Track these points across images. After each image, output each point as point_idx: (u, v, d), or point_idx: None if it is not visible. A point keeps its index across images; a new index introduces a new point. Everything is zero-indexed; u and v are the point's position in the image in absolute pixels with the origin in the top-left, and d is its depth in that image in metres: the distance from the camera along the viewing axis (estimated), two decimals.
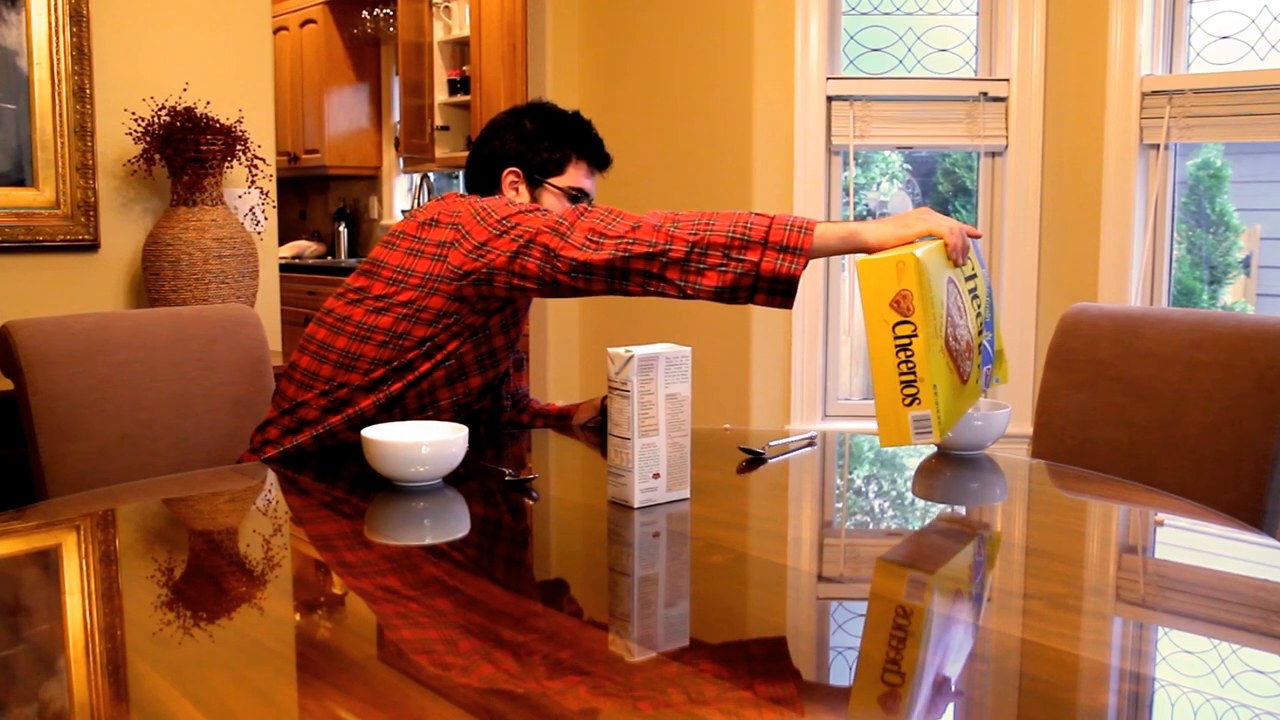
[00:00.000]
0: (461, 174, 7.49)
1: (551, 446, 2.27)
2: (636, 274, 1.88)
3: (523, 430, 2.40)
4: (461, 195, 2.12)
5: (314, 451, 2.09)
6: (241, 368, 2.48)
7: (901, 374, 1.70)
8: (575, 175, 2.25)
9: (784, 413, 4.03)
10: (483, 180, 2.27)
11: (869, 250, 1.81)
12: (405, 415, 2.08)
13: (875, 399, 1.73)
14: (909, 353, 1.69)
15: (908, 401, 1.70)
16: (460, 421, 2.19)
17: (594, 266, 1.89)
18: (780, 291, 1.83)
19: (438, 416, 2.11)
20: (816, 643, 1.27)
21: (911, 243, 1.79)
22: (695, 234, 1.84)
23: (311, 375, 2.09)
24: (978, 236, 1.96)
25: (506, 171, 2.24)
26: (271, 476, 1.99)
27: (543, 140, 2.26)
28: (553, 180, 2.24)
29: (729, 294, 1.84)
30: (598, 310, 4.58)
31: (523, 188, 2.24)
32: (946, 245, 1.82)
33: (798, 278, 1.81)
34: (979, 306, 1.95)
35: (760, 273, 1.81)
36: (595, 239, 1.89)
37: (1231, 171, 3.88)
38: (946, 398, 1.73)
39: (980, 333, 1.94)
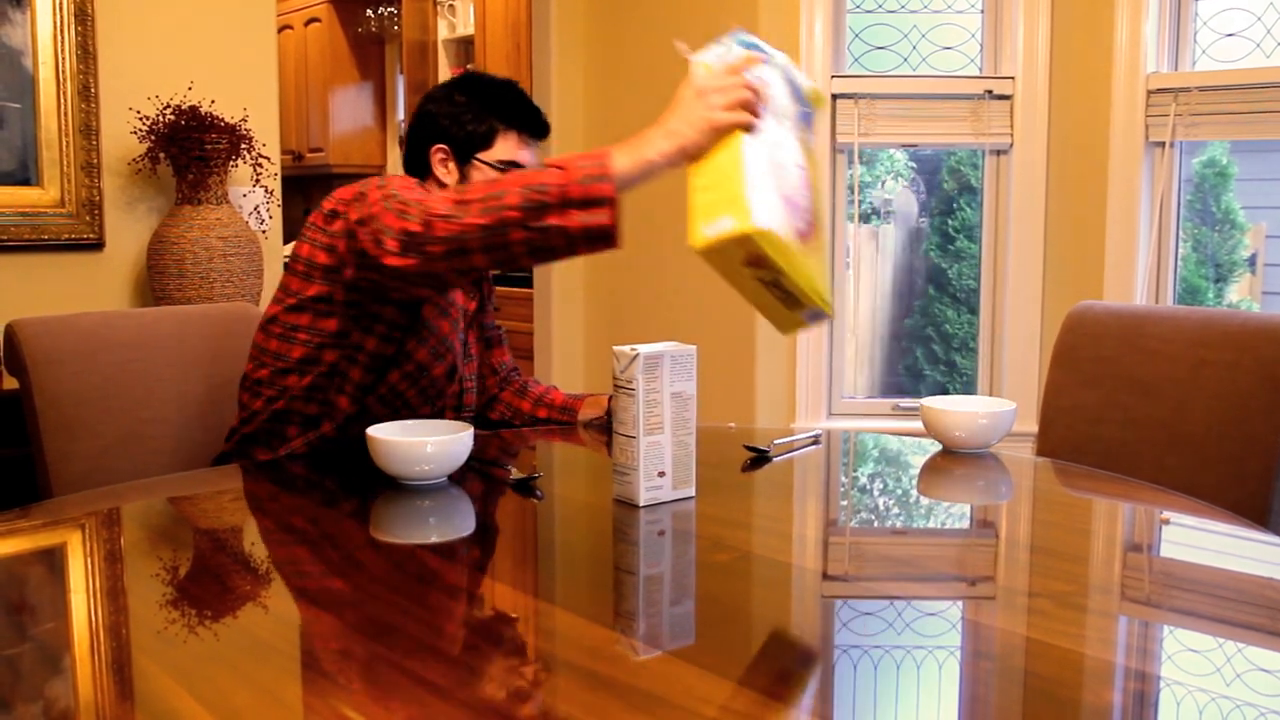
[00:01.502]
0: None
1: (556, 445, 2.27)
2: (451, 273, 1.83)
3: (526, 423, 2.39)
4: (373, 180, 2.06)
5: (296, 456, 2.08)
6: None
7: (782, 299, 1.70)
8: (505, 147, 2.14)
9: (789, 411, 4.03)
10: (414, 161, 2.18)
11: (658, 166, 1.72)
12: (377, 418, 2.06)
13: (761, 314, 1.74)
14: (779, 286, 1.67)
15: (792, 307, 1.71)
16: (451, 410, 2.19)
17: (405, 272, 1.82)
18: (599, 239, 1.73)
19: (415, 414, 2.10)
20: (822, 641, 1.27)
21: (705, 151, 1.70)
22: (487, 213, 1.73)
23: (256, 382, 2.09)
24: (760, 60, 1.78)
25: (434, 149, 2.15)
26: (276, 475, 1.99)
27: (468, 113, 2.14)
28: (481, 154, 2.13)
29: (546, 259, 1.77)
30: (602, 308, 4.58)
31: (451, 165, 2.14)
32: (748, 129, 1.69)
33: (608, 226, 1.71)
34: (784, 107, 1.81)
35: (570, 233, 1.71)
36: (406, 234, 1.79)
37: (1237, 169, 3.87)
38: (816, 273, 1.71)
39: (795, 121, 1.83)
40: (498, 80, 2.19)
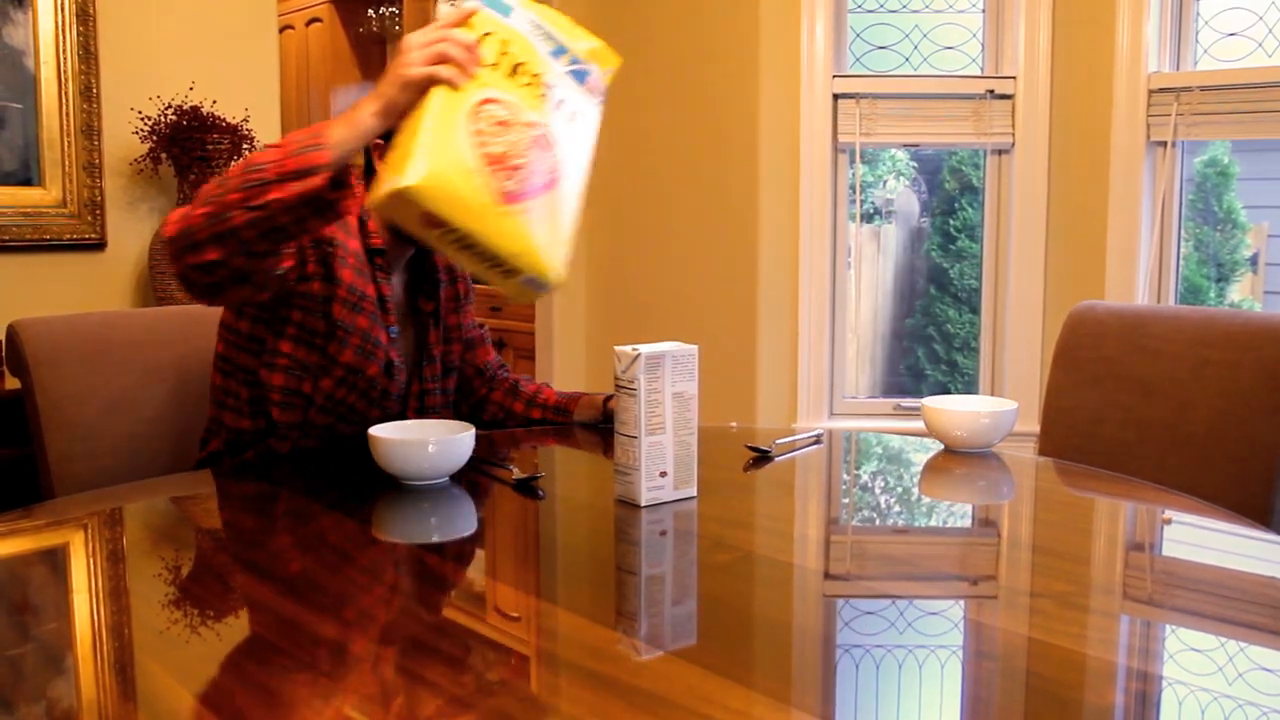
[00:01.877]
0: None
1: (557, 445, 2.27)
2: (201, 270, 1.78)
3: (520, 424, 2.37)
4: None
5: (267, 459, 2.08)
6: None
7: (489, 265, 1.65)
8: None
9: (790, 411, 4.03)
10: (370, 159, 2.12)
11: (371, 127, 1.69)
12: (326, 430, 2.05)
13: (488, 281, 1.71)
14: (472, 249, 1.63)
15: (507, 274, 1.67)
16: (413, 411, 2.17)
17: (181, 277, 1.81)
18: (322, 207, 1.69)
19: (364, 419, 2.06)
20: (823, 641, 1.27)
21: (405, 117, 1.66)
22: (210, 203, 1.72)
23: (213, 388, 2.10)
24: (467, 15, 1.71)
25: (375, 143, 2.03)
26: (279, 475, 1.99)
27: None
28: None
29: (280, 238, 1.74)
30: (603, 308, 4.58)
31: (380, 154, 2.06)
32: (442, 83, 1.64)
33: (321, 189, 1.68)
34: (523, 64, 1.72)
35: (290, 205, 1.68)
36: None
37: (1239, 169, 3.87)
38: (528, 236, 1.65)
39: (542, 79, 1.73)
40: None
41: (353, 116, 1.69)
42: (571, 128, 1.74)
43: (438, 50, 1.63)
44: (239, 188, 1.69)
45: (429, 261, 2.19)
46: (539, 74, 1.71)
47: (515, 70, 1.69)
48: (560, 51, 1.75)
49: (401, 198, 1.56)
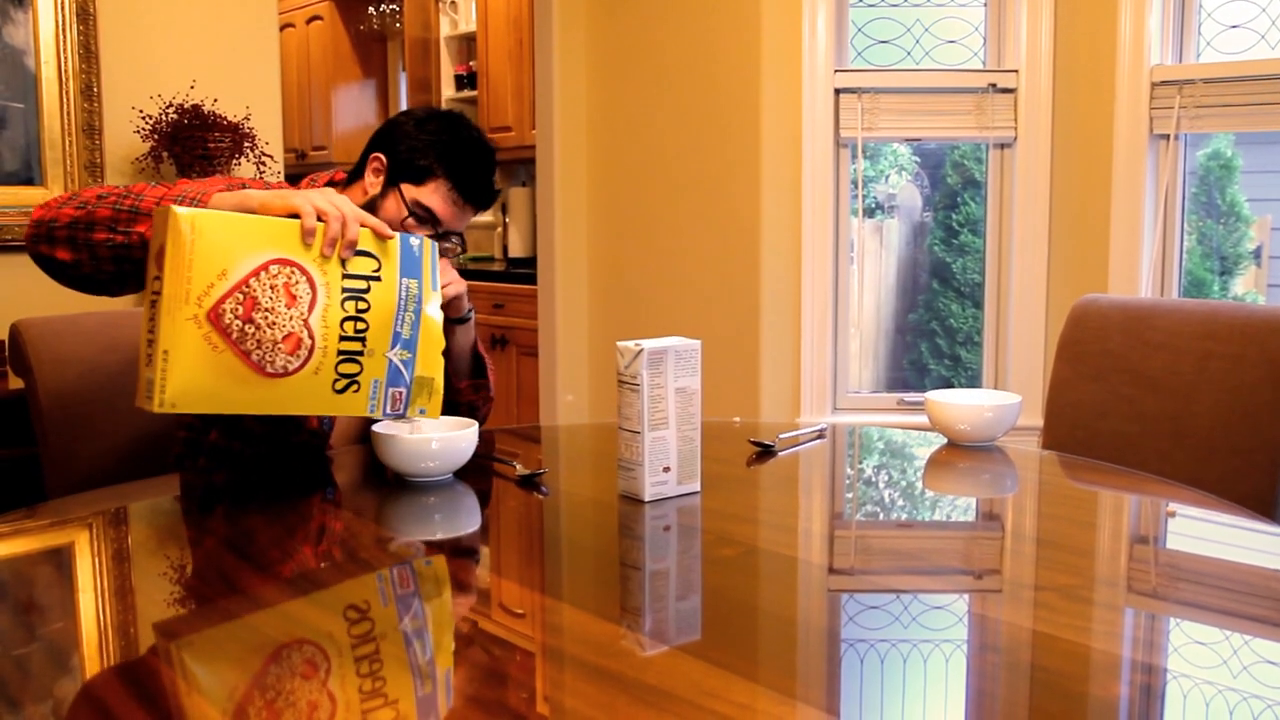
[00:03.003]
0: None
1: (561, 440, 2.27)
2: (40, 256, 1.83)
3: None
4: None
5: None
6: None
7: (147, 330, 1.63)
8: (431, 193, 2.03)
9: (793, 405, 4.03)
10: (363, 156, 2.12)
11: (254, 208, 1.72)
12: (232, 454, 2.06)
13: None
14: (154, 310, 1.61)
15: (145, 361, 1.63)
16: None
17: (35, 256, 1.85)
18: None
19: (259, 443, 2.07)
20: (828, 635, 1.27)
21: (287, 214, 1.70)
22: (81, 208, 1.77)
23: None
24: (386, 237, 1.75)
25: (374, 155, 2.08)
26: (283, 473, 1.99)
27: (423, 145, 2.05)
28: (406, 185, 2.04)
29: (126, 267, 1.77)
30: (606, 304, 4.58)
31: (380, 178, 2.06)
32: (302, 227, 1.67)
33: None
34: (364, 311, 1.73)
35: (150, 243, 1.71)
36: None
37: (1242, 161, 3.86)
38: (192, 372, 1.61)
39: (362, 340, 1.73)
40: (474, 139, 2.10)
41: (243, 196, 1.73)
42: (334, 387, 1.73)
43: (328, 212, 1.68)
44: (113, 206, 1.75)
45: None
46: (369, 325, 1.73)
47: (354, 297, 1.72)
48: (406, 345, 1.77)
49: (168, 216, 1.59)
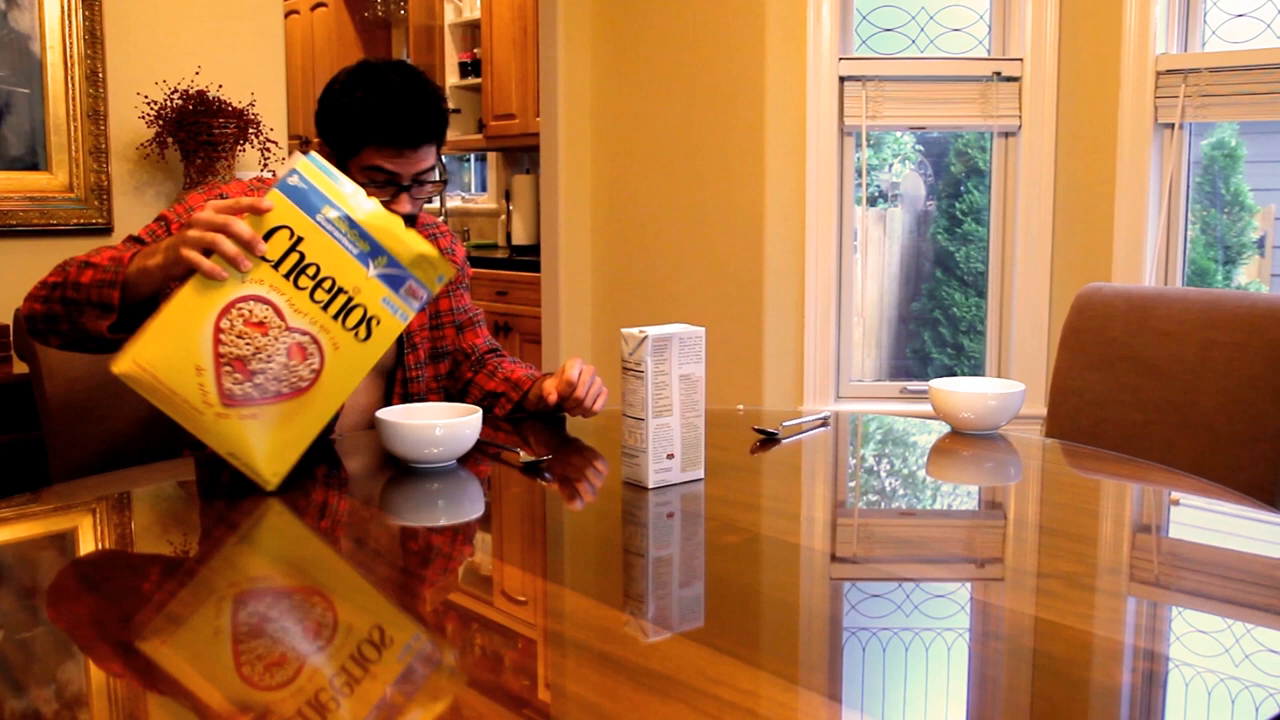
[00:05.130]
0: (473, 157, 7.47)
1: (566, 427, 2.27)
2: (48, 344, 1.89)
3: (485, 395, 2.30)
4: (199, 189, 2.04)
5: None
6: None
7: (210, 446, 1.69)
8: (372, 156, 1.99)
9: (797, 394, 4.03)
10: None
11: (157, 274, 1.72)
12: None
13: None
14: (193, 431, 1.68)
15: (230, 462, 1.71)
16: (398, 397, 2.17)
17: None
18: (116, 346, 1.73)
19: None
20: (830, 622, 1.27)
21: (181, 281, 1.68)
22: (45, 305, 1.83)
23: None
24: (262, 209, 1.65)
25: (319, 142, 2.07)
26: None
27: (342, 110, 2.00)
28: (350, 161, 2.01)
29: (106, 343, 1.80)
30: (610, 291, 4.58)
31: (332, 161, 2.00)
32: (206, 274, 1.63)
33: (104, 333, 1.76)
34: (318, 272, 1.69)
35: (95, 334, 1.78)
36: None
37: (1246, 151, 3.86)
38: (264, 445, 1.69)
39: (340, 291, 1.70)
40: (392, 82, 2.01)
41: (148, 261, 1.72)
42: (358, 339, 1.72)
43: (209, 239, 1.63)
44: (60, 300, 1.80)
45: None
46: (331, 276, 1.69)
47: (299, 271, 1.67)
48: (374, 254, 1.71)
49: (121, 377, 1.64)
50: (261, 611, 1.28)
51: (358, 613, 1.26)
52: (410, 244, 1.73)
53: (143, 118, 3.41)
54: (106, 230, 3.42)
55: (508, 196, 6.72)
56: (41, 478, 2.20)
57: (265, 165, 3.57)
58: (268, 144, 3.54)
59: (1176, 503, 1.81)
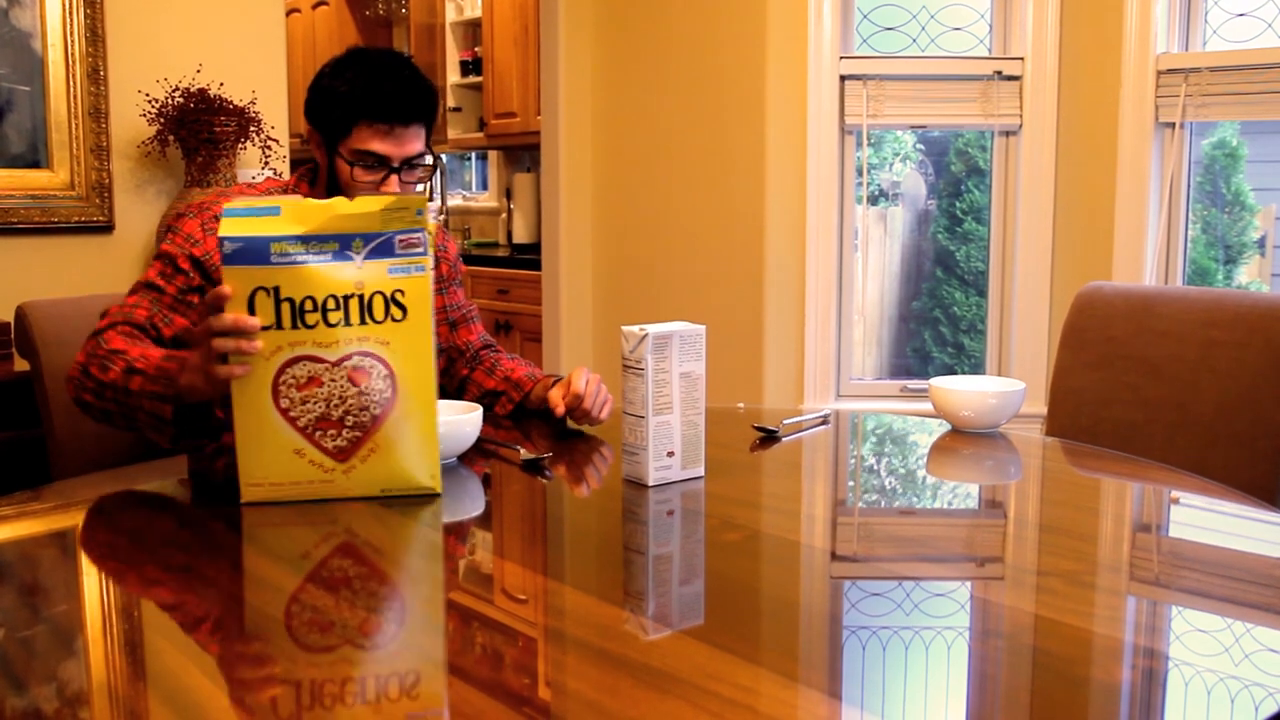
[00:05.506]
0: (474, 155, 7.46)
1: (565, 424, 2.27)
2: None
3: (483, 393, 2.30)
4: (183, 215, 2.04)
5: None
6: None
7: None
8: (362, 137, 1.99)
9: (797, 392, 4.03)
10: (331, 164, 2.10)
11: (205, 394, 1.76)
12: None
13: None
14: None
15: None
16: None
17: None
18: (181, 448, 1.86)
19: None
20: (830, 620, 1.27)
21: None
22: (95, 399, 1.85)
23: None
24: (224, 296, 1.62)
25: (309, 133, 2.08)
26: (160, 434, 1.99)
27: (329, 96, 2.02)
28: (340, 144, 2.01)
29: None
30: (610, 289, 4.58)
31: (323, 149, 2.06)
32: (220, 375, 1.64)
33: (166, 439, 1.81)
34: (302, 297, 1.63)
35: (153, 434, 1.83)
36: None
37: (1247, 151, 3.86)
38: (366, 480, 1.69)
39: (347, 304, 1.64)
40: (372, 62, 2.03)
41: (193, 377, 1.72)
42: (398, 320, 1.66)
43: (218, 349, 1.63)
44: (114, 401, 1.82)
45: None
46: (329, 294, 1.63)
47: (299, 314, 1.63)
48: (344, 245, 1.63)
49: (251, 504, 1.66)
50: (261, 608, 1.28)
51: (357, 610, 1.26)
52: (362, 210, 1.64)
53: (144, 115, 3.41)
54: (107, 228, 3.42)
55: (509, 195, 6.71)
56: (42, 475, 2.20)
57: (266, 163, 3.57)
58: (269, 142, 3.54)
59: (1176, 501, 1.81)
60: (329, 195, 2.07)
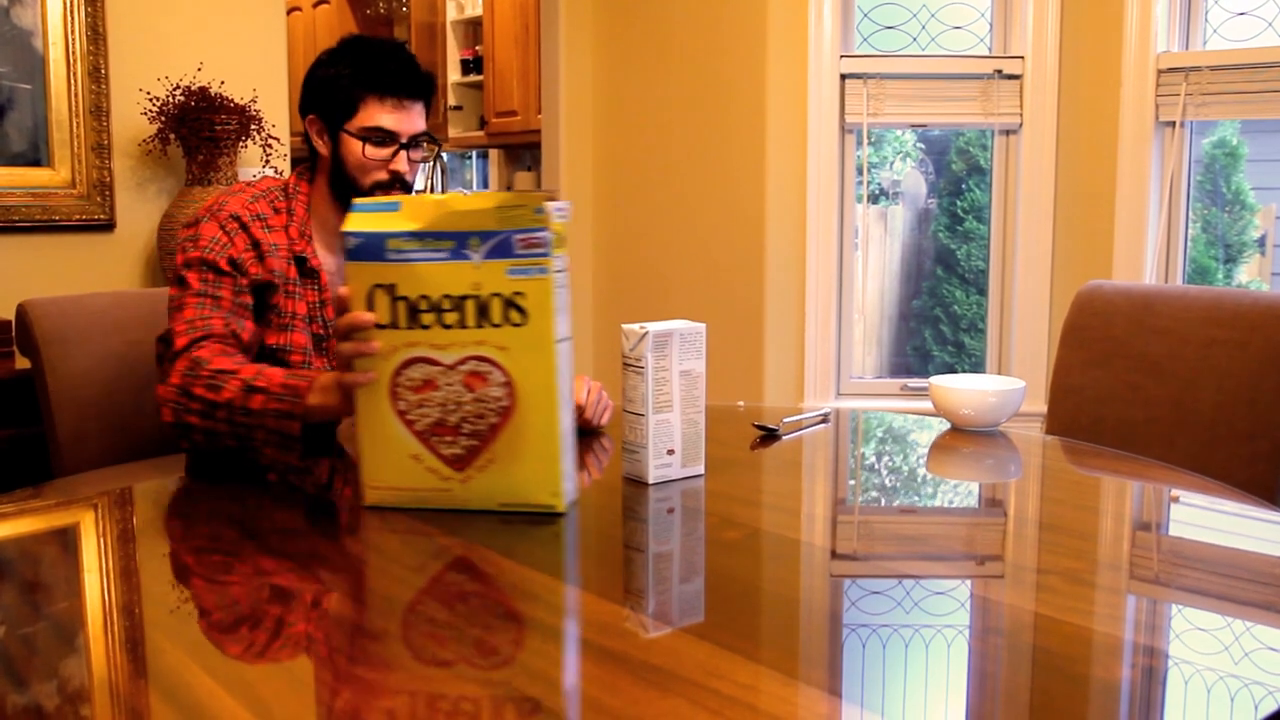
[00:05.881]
0: (475, 154, 7.46)
1: None
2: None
3: None
4: (195, 221, 2.04)
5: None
6: None
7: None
8: (370, 113, 2.03)
9: (797, 391, 4.03)
10: (305, 139, 2.14)
11: (339, 412, 1.78)
12: None
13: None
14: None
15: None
16: None
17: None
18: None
19: None
20: (830, 618, 1.27)
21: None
22: (202, 420, 1.84)
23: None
24: (346, 300, 1.61)
25: (309, 120, 2.10)
26: (287, 453, 2.00)
27: (338, 81, 2.05)
28: (347, 124, 2.04)
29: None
30: (610, 287, 4.58)
31: (326, 137, 2.09)
32: (351, 384, 1.63)
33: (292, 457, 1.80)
34: (418, 297, 1.57)
35: (268, 456, 1.82)
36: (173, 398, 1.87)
37: (1248, 150, 3.86)
38: (489, 489, 1.62)
39: (463, 305, 1.56)
40: (371, 43, 2.09)
41: (328, 399, 1.75)
42: (517, 324, 1.56)
43: (338, 352, 1.62)
44: (227, 421, 1.81)
45: None
46: (444, 294, 1.56)
47: (413, 314, 1.57)
48: (462, 243, 1.55)
49: (372, 506, 1.63)
50: (261, 605, 1.28)
51: (357, 606, 1.26)
52: (479, 206, 1.55)
53: (145, 114, 3.41)
54: (108, 226, 3.42)
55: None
56: (43, 473, 2.20)
57: (267, 162, 3.57)
58: (269, 140, 3.54)
59: (1176, 500, 1.81)
60: (330, 189, 2.08)
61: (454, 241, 1.55)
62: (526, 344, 1.55)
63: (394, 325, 1.57)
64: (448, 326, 1.56)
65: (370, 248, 1.56)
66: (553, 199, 1.55)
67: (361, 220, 1.57)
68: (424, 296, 1.56)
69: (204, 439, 1.84)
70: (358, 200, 1.61)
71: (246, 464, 1.87)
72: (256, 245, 2.02)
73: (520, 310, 1.54)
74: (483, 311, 1.55)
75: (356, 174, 2.04)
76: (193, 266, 1.99)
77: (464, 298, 1.55)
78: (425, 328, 1.57)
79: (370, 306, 1.58)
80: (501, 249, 1.54)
